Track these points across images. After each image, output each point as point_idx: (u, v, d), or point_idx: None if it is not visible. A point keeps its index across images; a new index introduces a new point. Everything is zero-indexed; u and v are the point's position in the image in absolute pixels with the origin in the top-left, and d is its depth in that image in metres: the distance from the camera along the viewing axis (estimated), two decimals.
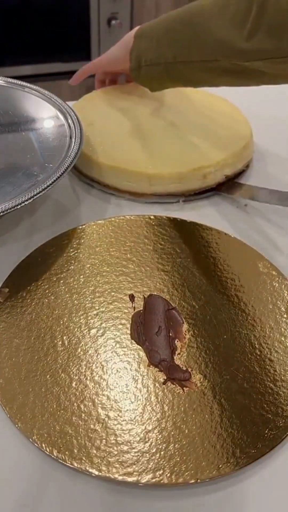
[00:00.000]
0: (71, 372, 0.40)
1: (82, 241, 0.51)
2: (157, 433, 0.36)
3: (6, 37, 1.45)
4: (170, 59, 0.55)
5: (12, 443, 0.36)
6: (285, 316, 0.44)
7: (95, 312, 0.44)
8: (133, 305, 0.45)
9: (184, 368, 0.40)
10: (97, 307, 0.45)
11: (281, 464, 0.36)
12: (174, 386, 0.39)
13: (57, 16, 1.46)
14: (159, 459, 0.35)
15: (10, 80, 0.64)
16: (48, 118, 0.59)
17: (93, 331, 0.43)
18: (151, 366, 0.40)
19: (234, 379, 0.40)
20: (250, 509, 0.34)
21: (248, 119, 0.66)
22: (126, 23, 1.50)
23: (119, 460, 0.35)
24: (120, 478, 0.34)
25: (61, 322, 0.43)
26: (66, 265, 0.48)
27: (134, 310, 0.45)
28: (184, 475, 0.34)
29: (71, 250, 0.50)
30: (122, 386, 0.39)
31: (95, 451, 0.35)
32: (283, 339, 0.43)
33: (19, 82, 0.63)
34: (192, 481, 0.34)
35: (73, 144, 0.53)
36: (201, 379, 0.40)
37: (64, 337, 0.42)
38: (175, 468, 0.34)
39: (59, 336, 0.42)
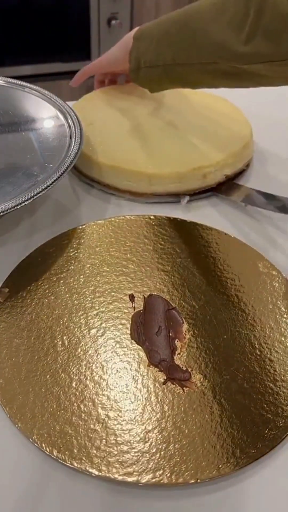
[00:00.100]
0: (71, 372, 0.40)
1: (82, 241, 0.51)
2: (157, 433, 0.36)
3: (6, 37, 1.45)
4: (169, 61, 0.55)
5: (12, 443, 0.36)
6: (285, 316, 0.44)
7: (95, 312, 0.44)
8: (133, 305, 0.45)
9: (184, 368, 0.40)
10: (97, 307, 0.45)
11: (281, 464, 0.36)
12: (174, 386, 0.39)
13: (57, 16, 1.46)
14: (159, 459, 0.35)
15: (10, 80, 0.64)
16: (48, 118, 0.59)
17: (93, 331, 0.43)
18: (151, 366, 0.40)
19: (234, 379, 0.40)
20: (250, 509, 0.34)
21: (248, 119, 0.66)
22: (126, 23, 1.50)
23: (119, 460, 0.35)
24: (120, 478, 0.34)
25: (61, 322, 0.43)
26: (66, 265, 0.48)
27: (134, 310, 0.45)
28: (184, 475, 0.34)
29: (71, 250, 0.50)
30: (122, 386, 0.39)
31: (95, 451, 0.35)
32: (283, 339, 0.43)
33: (19, 82, 0.63)
34: (192, 481, 0.34)
35: (73, 144, 0.53)
36: (201, 379, 0.40)
37: (64, 337, 0.42)
38: (175, 468, 0.34)
39: (59, 336, 0.42)
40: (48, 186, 0.48)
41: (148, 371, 0.40)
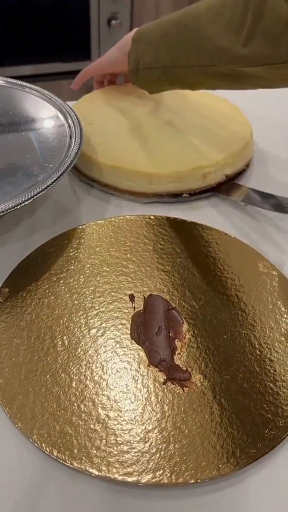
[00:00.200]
0: (71, 372, 0.40)
1: (82, 241, 0.51)
2: (157, 433, 0.36)
3: (6, 37, 1.45)
4: (168, 63, 0.55)
5: (12, 443, 0.36)
6: (285, 316, 0.44)
7: (95, 312, 0.44)
8: (133, 305, 0.45)
9: (184, 368, 0.40)
10: (97, 307, 0.45)
11: (281, 464, 0.36)
12: (174, 386, 0.39)
13: (57, 16, 1.46)
14: (159, 459, 0.35)
15: (10, 80, 0.64)
16: (48, 118, 0.59)
17: (93, 331, 0.43)
18: (151, 366, 0.40)
19: (234, 379, 0.40)
20: (250, 509, 0.34)
21: (249, 119, 0.66)
22: (126, 23, 1.50)
23: (119, 460, 0.35)
24: (120, 478, 0.34)
25: (61, 322, 0.43)
26: (66, 265, 0.48)
27: (134, 310, 0.45)
28: (184, 475, 0.34)
29: (71, 250, 0.50)
30: (122, 386, 0.39)
31: (95, 451, 0.35)
32: (283, 339, 0.43)
33: (19, 82, 0.63)
34: (192, 481, 0.34)
35: (73, 144, 0.53)
36: (201, 379, 0.40)
37: (64, 337, 0.42)
38: (175, 468, 0.34)
39: (59, 336, 0.42)
40: (48, 186, 0.48)
41: (148, 371, 0.40)
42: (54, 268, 0.48)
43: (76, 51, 1.52)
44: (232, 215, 0.57)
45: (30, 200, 0.46)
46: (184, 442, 0.36)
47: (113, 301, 0.45)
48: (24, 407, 0.37)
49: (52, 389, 0.38)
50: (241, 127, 0.64)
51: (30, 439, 0.36)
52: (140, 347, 0.42)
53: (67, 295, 0.45)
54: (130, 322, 0.43)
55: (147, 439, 0.36)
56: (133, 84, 0.62)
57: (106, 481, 0.34)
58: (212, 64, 0.51)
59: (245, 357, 0.41)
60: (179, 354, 0.41)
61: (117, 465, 0.34)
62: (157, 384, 0.39)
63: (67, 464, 0.35)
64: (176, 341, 0.42)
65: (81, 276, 0.47)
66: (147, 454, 0.35)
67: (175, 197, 0.58)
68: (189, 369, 0.40)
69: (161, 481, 0.34)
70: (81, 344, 0.42)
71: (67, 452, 0.35)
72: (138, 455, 0.35)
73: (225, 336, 0.43)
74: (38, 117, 0.59)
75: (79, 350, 0.41)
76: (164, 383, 0.39)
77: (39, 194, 0.47)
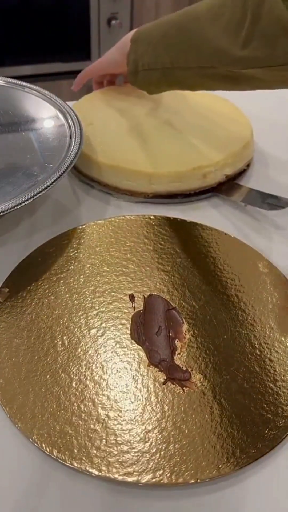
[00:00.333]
0: (71, 372, 0.40)
1: (82, 241, 0.51)
2: (157, 433, 0.36)
3: (6, 37, 1.45)
4: (167, 64, 0.55)
5: (12, 443, 0.36)
6: (285, 316, 0.44)
7: (95, 312, 0.44)
8: (133, 305, 0.45)
9: (184, 368, 0.40)
10: (97, 307, 0.45)
11: (281, 464, 0.36)
12: (174, 386, 0.39)
13: (57, 16, 1.46)
14: (159, 459, 0.35)
15: (10, 80, 0.63)
16: (48, 118, 0.59)
17: (93, 331, 0.43)
18: (151, 366, 0.40)
19: (234, 379, 0.40)
20: (250, 509, 0.34)
21: (249, 119, 0.66)
22: (126, 23, 1.50)
23: (119, 460, 0.35)
24: (120, 478, 0.34)
25: (61, 322, 0.43)
26: (66, 265, 0.48)
27: (134, 310, 0.45)
28: (184, 475, 0.34)
29: (71, 250, 0.50)
30: (122, 386, 0.39)
31: (95, 451, 0.35)
32: (283, 339, 0.43)
33: (19, 82, 0.63)
34: (192, 481, 0.34)
35: (73, 144, 0.53)
36: (201, 379, 0.40)
37: (64, 337, 0.42)
38: (175, 468, 0.34)
39: (59, 336, 0.42)
40: (48, 186, 0.48)
41: (148, 371, 0.40)
42: (54, 268, 0.48)
43: (76, 51, 1.52)
44: (232, 215, 0.57)
45: (30, 200, 0.46)
46: (184, 442, 0.36)
47: (113, 301, 0.45)
48: (24, 407, 0.37)
49: (52, 389, 0.38)
50: (241, 127, 0.64)
51: (30, 439, 0.36)
52: (140, 347, 0.42)
53: (67, 295, 0.45)
54: (130, 322, 0.44)
55: (147, 439, 0.36)
56: (132, 85, 0.62)
57: (106, 481, 0.34)
58: (212, 65, 0.51)
59: (245, 357, 0.41)
60: (179, 354, 0.41)
61: (117, 465, 0.34)
62: (157, 384, 0.39)
63: (67, 464, 0.35)
64: (176, 341, 0.42)
65: (81, 276, 0.47)
66: (147, 454, 0.35)
67: (175, 197, 0.58)
68: (189, 369, 0.40)
69: (161, 481, 0.34)
70: (81, 344, 0.42)
71: (67, 452, 0.35)
72: (138, 455, 0.35)
73: (225, 336, 0.43)
74: (38, 117, 0.59)
75: (79, 350, 0.41)
76: (164, 383, 0.39)
77: (39, 194, 0.47)
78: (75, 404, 0.38)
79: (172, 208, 0.57)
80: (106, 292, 0.46)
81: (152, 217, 0.54)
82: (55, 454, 0.35)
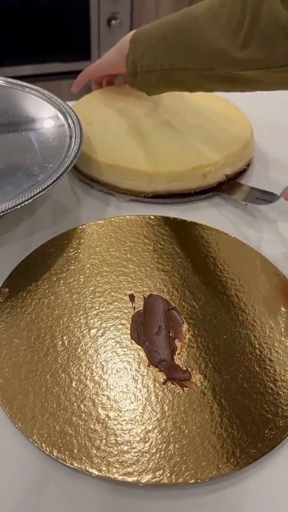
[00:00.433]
0: (71, 372, 0.40)
1: (82, 241, 0.51)
2: (157, 433, 0.36)
3: (6, 37, 1.45)
4: (166, 66, 0.55)
5: (12, 443, 0.36)
6: (285, 316, 0.44)
7: (95, 312, 0.44)
8: (133, 305, 0.45)
9: (184, 368, 0.40)
10: (97, 307, 0.45)
11: (281, 464, 0.36)
12: (174, 386, 0.39)
13: (57, 16, 1.46)
14: (159, 459, 0.35)
15: (10, 80, 0.63)
16: (48, 118, 0.59)
17: (93, 331, 0.43)
18: (151, 366, 0.40)
19: (234, 379, 0.40)
20: (250, 509, 0.34)
21: (249, 119, 0.66)
22: (126, 23, 1.50)
23: (119, 460, 0.35)
24: (120, 478, 0.34)
25: (61, 322, 0.43)
26: (66, 265, 0.48)
27: (134, 310, 0.45)
28: (184, 475, 0.34)
29: (71, 250, 0.50)
30: (122, 386, 0.39)
31: (95, 451, 0.35)
32: (283, 339, 0.43)
33: (19, 82, 0.63)
34: (192, 481, 0.34)
35: (73, 144, 0.53)
36: (201, 379, 0.40)
37: (64, 337, 0.42)
38: (175, 468, 0.34)
39: (59, 336, 0.42)
40: (48, 186, 0.48)
41: (148, 371, 0.40)
42: (54, 268, 0.48)
43: (76, 51, 1.52)
44: (232, 215, 0.57)
45: (30, 200, 0.46)
46: (184, 442, 0.36)
47: (113, 301, 0.45)
48: (24, 407, 0.37)
49: (52, 389, 0.38)
50: (241, 126, 0.64)
51: (30, 439, 0.36)
52: (140, 347, 0.42)
53: (67, 295, 0.45)
54: (130, 322, 0.43)
55: (147, 439, 0.36)
56: (131, 87, 0.62)
57: (106, 481, 0.34)
58: (210, 67, 0.51)
59: (245, 357, 0.41)
60: (179, 354, 0.41)
61: (117, 465, 0.34)
62: (157, 384, 0.39)
63: (67, 464, 0.35)
64: (176, 341, 0.42)
65: (81, 276, 0.47)
66: (147, 454, 0.35)
67: (175, 196, 0.58)
68: (189, 369, 0.40)
69: (161, 481, 0.34)
70: (81, 344, 0.42)
71: (67, 452, 0.35)
72: (138, 455, 0.35)
73: (225, 336, 0.43)
74: (38, 117, 0.59)
75: (79, 350, 0.41)
76: (164, 383, 0.39)
77: (39, 194, 0.47)
78: (75, 404, 0.38)
79: (172, 208, 0.57)
80: (106, 292, 0.46)
81: (152, 217, 0.54)
82: (55, 454, 0.35)
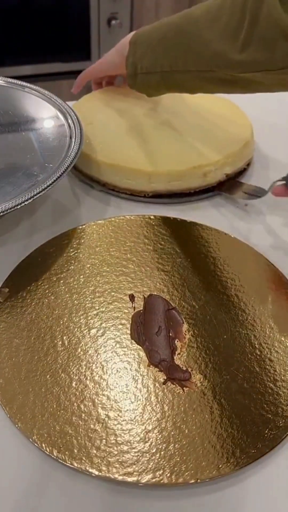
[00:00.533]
0: (71, 372, 0.40)
1: (82, 241, 0.51)
2: (157, 433, 0.36)
3: (6, 37, 1.45)
4: (166, 68, 0.55)
5: (12, 443, 0.36)
6: (285, 316, 0.44)
7: (95, 312, 0.44)
8: (133, 305, 0.45)
9: (184, 368, 0.40)
10: (97, 307, 0.45)
11: (281, 464, 0.36)
12: (174, 386, 0.39)
13: (57, 16, 1.46)
14: (159, 459, 0.35)
15: (10, 80, 0.64)
16: (48, 118, 0.59)
17: (93, 331, 0.43)
18: (151, 366, 0.40)
19: (234, 379, 0.40)
20: (250, 509, 0.34)
21: (249, 118, 0.66)
22: (126, 23, 1.50)
23: (119, 460, 0.35)
24: (120, 478, 0.34)
25: (61, 322, 0.43)
26: (66, 265, 0.48)
27: (134, 310, 0.45)
28: (184, 475, 0.34)
29: (71, 250, 0.50)
30: (122, 386, 0.39)
31: (95, 451, 0.35)
32: (283, 339, 0.43)
33: (19, 82, 0.63)
34: (192, 481, 0.34)
35: (73, 144, 0.53)
36: (201, 379, 0.40)
37: (64, 337, 0.42)
38: (175, 468, 0.34)
39: (59, 336, 0.42)
40: (48, 186, 0.48)
41: (148, 371, 0.40)
42: (54, 268, 0.48)
43: (76, 51, 1.52)
44: (232, 215, 0.57)
45: (30, 200, 0.46)
46: (184, 442, 0.36)
47: (113, 301, 0.45)
48: (24, 407, 0.37)
49: (52, 389, 0.38)
50: (241, 126, 0.64)
51: (30, 439, 0.36)
52: (140, 347, 0.42)
53: (67, 295, 0.45)
54: (130, 322, 0.43)
55: (147, 439, 0.36)
56: (131, 88, 0.62)
57: (106, 481, 0.34)
58: (210, 69, 0.51)
59: (245, 357, 0.41)
60: (179, 354, 0.41)
61: (117, 465, 0.34)
62: (157, 384, 0.39)
63: (67, 464, 0.35)
64: (176, 341, 0.42)
65: (81, 276, 0.47)
66: (147, 454, 0.35)
67: (175, 196, 0.58)
68: (189, 369, 0.40)
69: (161, 481, 0.34)
70: (81, 344, 0.42)
71: (67, 452, 0.35)
72: (138, 455, 0.35)
73: (225, 336, 0.43)
74: (38, 117, 0.59)
75: (79, 350, 0.41)
76: (164, 383, 0.39)
77: (39, 194, 0.47)
78: (75, 404, 0.38)
79: (172, 208, 0.57)
80: (106, 292, 0.46)
81: (152, 217, 0.54)
82: (55, 454, 0.35)
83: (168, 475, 0.34)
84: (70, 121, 0.57)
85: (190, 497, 0.34)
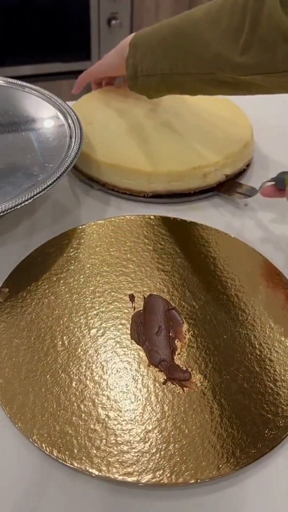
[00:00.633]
0: (71, 372, 0.40)
1: (82, 241, 0.51)
2: (157, 433, 0.36)
3: (6, 37, 1.45)
4: (166, 70, 0.55)
5: (12, 443, 0.36)
6: (285, 316, 0.44)
7: (95, 312, 0.44)
8: (133, 305, 0.45)
9: (184, 368, 0.40)
10: (97, 307, 0.45)
11: (281, 464, 0.36)
12: (174, 386, 0.39)
13: (57, 16, 1.46)
14: (159, 459, 0.35)
15: (10, 80, 0.63)
16: (48, 118, 0.59)
17: (93, 331, 0.43)
18: (151, 366, 0.40)
19: (234, 379, 0.40)
20: (250, 509, 0.34)
21: (249, 119, 0.66)
22: (126, 23, 1.50)
23: (119, 460, 0.35)
24: (120, 478, 0.34)
25: (61, 322, 0.43)
26: (66, 265, 0.48)
27: (134, 310, 0.45)
28: (184, 475, 0.34)
29: (71, 250, 0.50)
30: (122, 386, 0.39)
31: (95, 451, 0.35)
32: (283, 339, 0.43)
33: (19, 82, 0.63)
34: (192, 481, 0.34)
35: (73, 144, 0.53)
36: (201, 379, 0.40)
37: (64, 337, 0.42)
38: (175, 468, 0.34)
39: (59, 336, 0.42)
40: (48, 186, 0.48)
41: (148, 371, 0.40)
42: (54, 268, 0.48)
43: (76, 51, 1.52)
44: (232, 215, 0.57)
45: (30, 200, 0.46)
46: (184, 442, 0.36)
47: (113, 301, 0.45)
48: (24, 407, 0.37)
49: (52, 389, 0.38)
50: (242, 127, 0.64)
51: (30, 439, 0.36)
52: (140, 347, 0.42)
53: (67, 295, 0.45)
54: (130, 322, 0.44)
55: (147, 439, 0.36)
56: (131, 90, 0.61)
57: (106, 481, 0.34)
58: (210, 72, 0.51)
59: (245, 357, 0.41)
60: (179, 354, 0.41)
61: (117, 465, 0.34)
62: (157, 384, 0.39)
63: (67, 464, 0.35)
64: (176, 341, 0.42)
65: (81, 276, 0.47)
66: (147, 454, 0.35)
67: (175, 196, 0.58)
68: (189, 369, 0.40)
69: (161, 481, 0.34)
70: (81, 344, 0.42)
71: (67, 452, 0.35)
72: (138, 455, 0.35)
73: (225, 336, 0.43)
74: (38, 117, 0.59)
75: (79, 350, 0.41)
76: (164, 383, 0.39)
77: (39, 194, 0.47)
78: (75, 404, 0.38)
79: (172, 208, 0.57)
80: (106, 292, 0.46)
81: (152, 217, 0.54)
82: (55, 454, 0.35)
83: (168, 475, 0.34)
84: (70, 121, 0.57)
85: (190, 497, 0.34)
